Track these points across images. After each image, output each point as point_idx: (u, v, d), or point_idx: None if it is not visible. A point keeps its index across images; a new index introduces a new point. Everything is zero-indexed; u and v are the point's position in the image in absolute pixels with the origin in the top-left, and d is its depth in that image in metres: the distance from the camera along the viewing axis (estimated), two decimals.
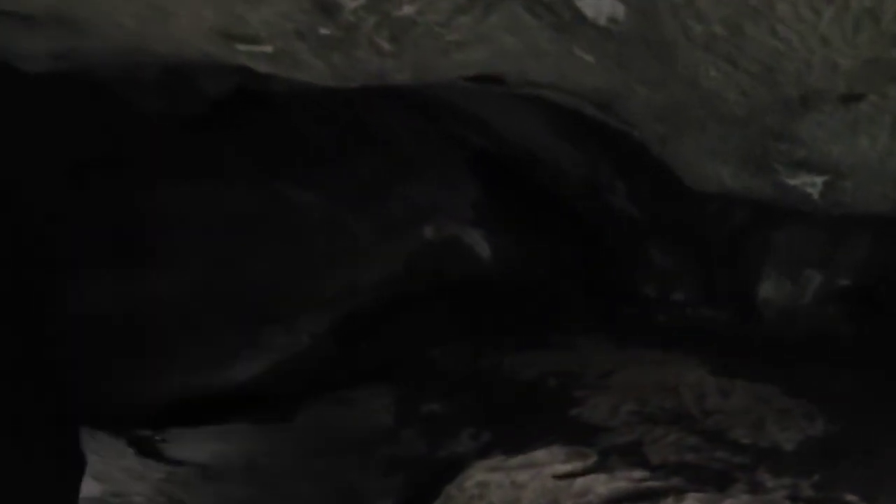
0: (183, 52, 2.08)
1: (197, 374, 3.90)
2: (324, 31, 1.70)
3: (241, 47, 1.83)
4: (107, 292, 3.71)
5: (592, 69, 1.93)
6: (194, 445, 2.68)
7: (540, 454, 2.20)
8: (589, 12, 1.65)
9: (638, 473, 2.05)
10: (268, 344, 4.12)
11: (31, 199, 3.42)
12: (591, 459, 2.16)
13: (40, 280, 3.59)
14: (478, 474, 2.19)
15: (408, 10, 1.64)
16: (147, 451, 2.63)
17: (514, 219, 4.20)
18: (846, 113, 1.66)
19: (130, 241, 3.83)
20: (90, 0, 1.82)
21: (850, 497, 1.88)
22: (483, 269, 4.31)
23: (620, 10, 1.64)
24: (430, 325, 4.05)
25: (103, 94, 2.85)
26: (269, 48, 1.82)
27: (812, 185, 2.20)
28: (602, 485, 2.00)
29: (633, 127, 2.34)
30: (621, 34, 1.70)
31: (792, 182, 2.21)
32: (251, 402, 3.91)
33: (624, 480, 2.01)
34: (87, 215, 3.54)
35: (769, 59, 1.60)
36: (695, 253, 3.33)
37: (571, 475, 2.09)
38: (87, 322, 3.60)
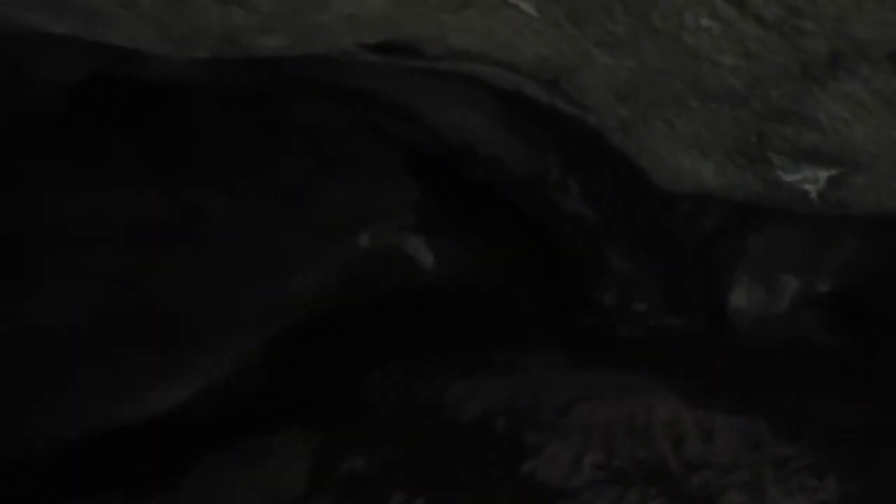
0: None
1: (107, 404, 3.20)
2: None
3: None
4: None
5: (535, 29, 1.32)
6: None
7: None
8: None
9: None
10: (187, 368, 3.44)
11: None
12: None
13: None
14: None
15: None
16: None
17: (458, 223, 3.60)
18: (892, 77, 1.09)
19: (6, 259, 3.10)
20: None
21: None
22: (425, 279, 3.71)
23: None
24: (365, 346, 3.42)
25: None
26: None
27: (813, 181, 1.64)
28: None
29: (588, 111, 1.74)
30: None
31: (789, 178, 1.64)
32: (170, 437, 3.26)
33: None
34: None
35: None
36: (660, 258, 2.78)
37: None
38: None
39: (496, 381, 2.68)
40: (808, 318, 2.84)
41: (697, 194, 1.92)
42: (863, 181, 1.56)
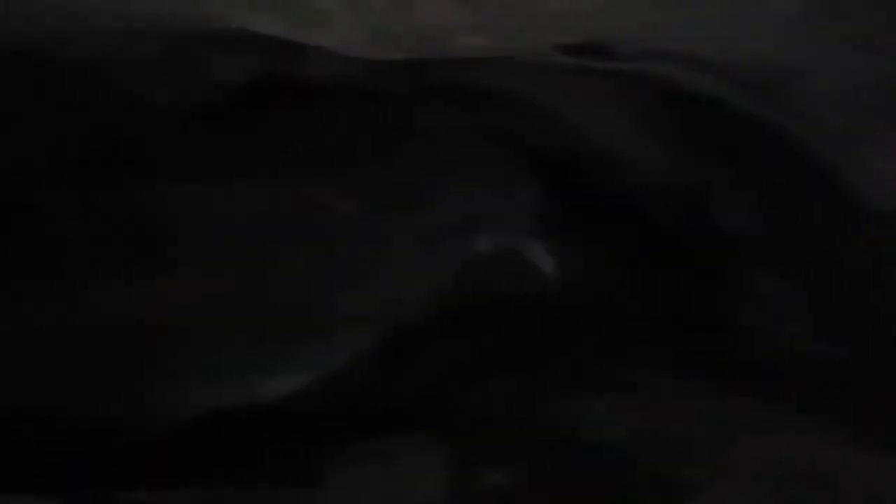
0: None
1: (224, 389, 3.31)
2: None
3: None
4: (122, 302, 3.17)
5: (770, 26, 1.15)
6: None
7: None
8: None
9: None
10: (301, 360, 3.50)
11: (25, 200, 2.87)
12: None
13: (46, 289, 3.07)
14: None
15: None
16: None
17: (584, 231, 3.43)
18: None
19: (145, 247, 3.26)
20: None
21: None
22: (546, 287, 3.58)
23: None
24: (482, 352, 3.34)
25: (89, 75, 2.18)
26: None
27: None
28: None
29: (797, 119, 1.55)
30: None
31: None
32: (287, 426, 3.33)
33: None
34: (90, 218, 2.97)
35: None
36: (827, 280, 2.49)
37: None
38: (101, 334, 3.09)
39: (634, 404, 2.50)
40: None
41: None
42: None
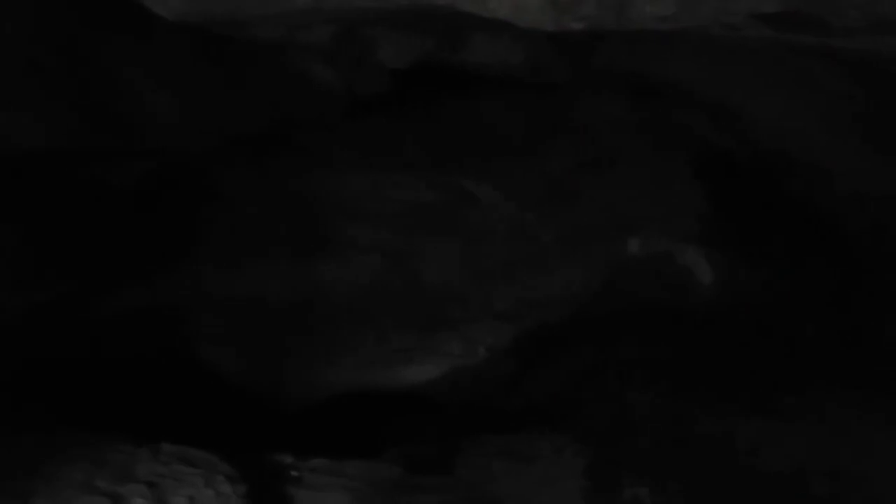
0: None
1: (367, 370, 3.45)
2: None
3: None
4: (279, 279, 3.40)
5: None
6: (324, 499, 2.10)
7: None
8: None
9: None
10: (441, 350, 3.55)
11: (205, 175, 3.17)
12: None
13: (220, 263, 3.38)
14: None
15: None
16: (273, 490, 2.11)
17: (750, 237, 3.15)
18: None
19: (305, 229, 3.47)
20: None
21: None
22: (702, 297, 3.32)
23: None
24: (626, 360, 3.18)
25: (265, 57, 2.39)
26: None
27: None
28: None
29: None
30: None
31: None
32: (420, 413, 3.40)
33: None
34: (259, 198, 3.22)
35: None
36: None
37: None
38: (256, 308, 3.33)
39: (801, 429, 2.25)
40: None
41: None
42: None
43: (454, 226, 3.63)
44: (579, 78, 2.79)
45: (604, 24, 1.29)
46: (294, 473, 2.26)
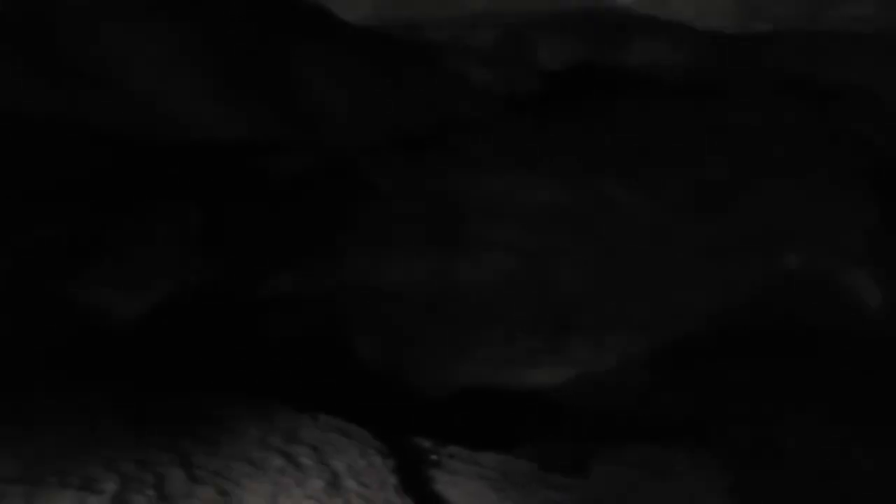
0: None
1: (495, 368, 3.53)
2: None
3: None
4: (417, 273, 3.55)
5: None
6: (462, 484, 2.20)
7: None
8: None
9: None
10: (569, 354, 3.54)
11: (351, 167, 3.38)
12: None
13: (369, 254, 3.59)
14: None
15: None
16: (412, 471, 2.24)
17: None
18: None
19: (446, 224, 3.59)
20: None
21: None
22: (867, 322, 3.06)
23: None
24: (775, 382, 3.00)
25: (429, 60, 2.53)
26: None
27: None
28: None
29: None
30: None
31: None
32: (545, 414, 3.42)
33: None
34: (405, 194, 3.39)
35: None
36: None
37: None
38: (394, 298, 3.49)
39: None
40: None
41: None
42: None
43: (592, 230, 3.59)
44: (742, 82, 2.67)
45: (794, 25, 1.25)
46: (433, 457, 2.38)
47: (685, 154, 3.33)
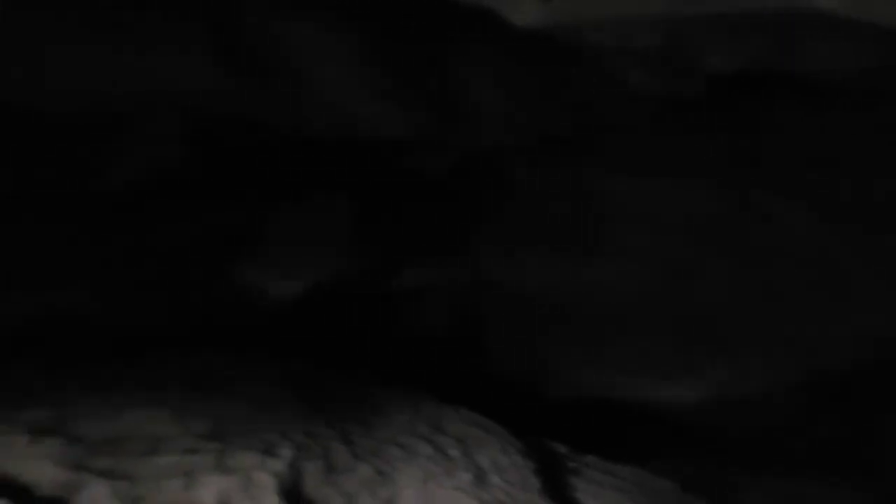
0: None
1: (623, 378, 3.44)
2: None
3: None
4: (550, 273, 3.53)
5: None
6: (602, 495, 2.15)
7: None
8: None
9: None
10: (705, 372, 3.38)
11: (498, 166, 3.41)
12: None
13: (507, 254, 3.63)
14: None
15: None
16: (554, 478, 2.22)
17: None
18: None
19: (583, 227, 3.54)
20: None
21: None
22: None
23: None
24: None
25: (587, 61, 2.50)
26: None
27: None
28: None
29: None
30: None
31: None
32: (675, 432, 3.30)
33: None
34: (547, 194, 3.38)
35: None
36: None
37: None
38: (526, 298, 3.50)
39: None
40: None
41: None
42: None
43: (743, 243, 3.40)
44: None
45: None
46: (571, 464, 2.37)
47: (857, 166, 3.07)
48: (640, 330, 3.47)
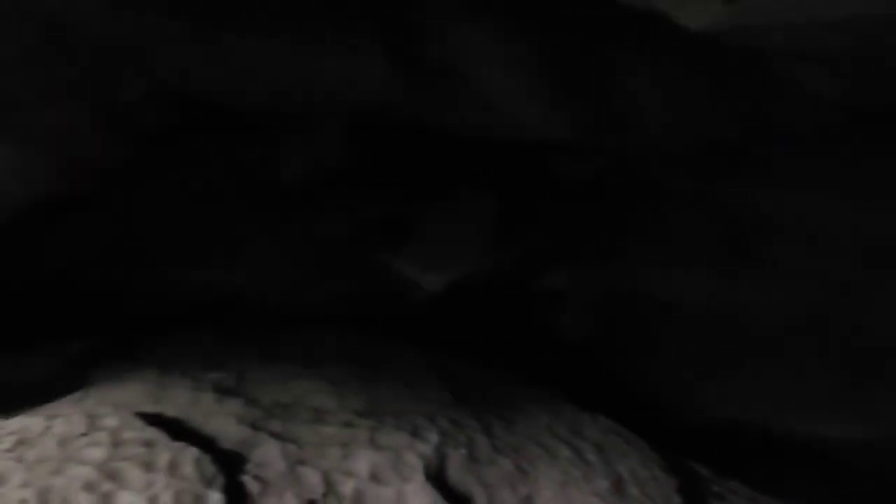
0: None
1: (772, 404, 3.22)
2: None
3: None
4: (698, 286, 3.38)
5: None
6: None
7: None
8: None
9: None
10: (873, 409, 3.08)
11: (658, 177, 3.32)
12: None
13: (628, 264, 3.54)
14: None
15: None
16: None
17: None
18: None
19: (742, 242, 3.35)
20: None
21: None
22: None
23: None
24: None
25: (761, 67, 2.35)
26: None
27: None
28: None
29: None
30: None
31: None
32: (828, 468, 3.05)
33: None
34: (700, 204, 3.23)
35: None
36: None
37: None
38: (672, 311, 3.38)
39: None
40: None
41: None
42: None
43: None
44: None
45: None
46: (716, 488, 2.27)
47: None
48: (801, 356, 3.24)
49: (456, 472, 1.89)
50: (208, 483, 1.71)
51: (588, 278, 3.58)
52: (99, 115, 2.60)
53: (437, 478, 1.86)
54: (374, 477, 1.83)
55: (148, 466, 1.71)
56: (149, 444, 1.80)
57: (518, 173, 3.57)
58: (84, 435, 1.83)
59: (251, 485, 1.74)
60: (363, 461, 1.86)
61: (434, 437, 1.94)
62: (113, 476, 1.68)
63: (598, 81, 2.45)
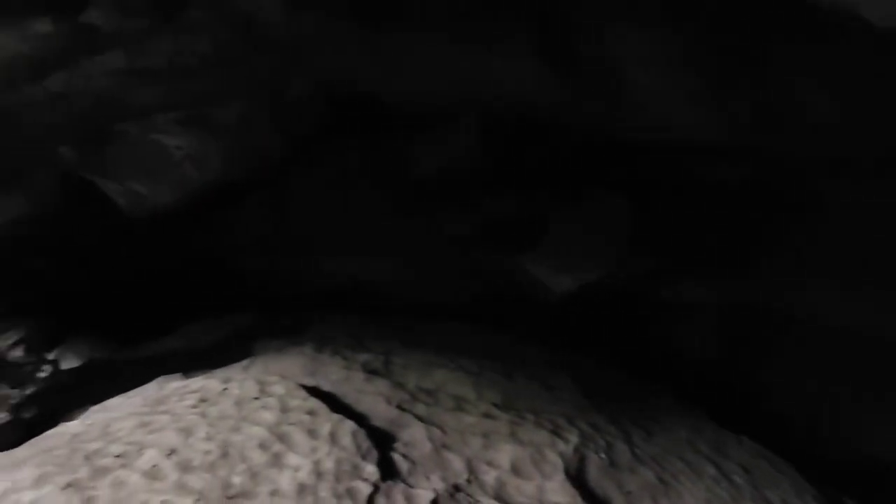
0: None
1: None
2: None
3: None
4: (859, 312, 3.10)
5: None
6: None
7: None
8: None
9: None
10: None
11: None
12: None
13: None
14: None
15: None
16: None
17: None
18: None
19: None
20: None
21: None
22: None
23: None
24: None
25: None
26: None
27: None
28: None
29: None
30: None
31: None
32: None
33: None
34: (859, 216, 2.96)
35: None
36: None
37: None
38: (806, 330, 3.14)
39: None
40: None
41: None
42: None
43: None
44: None
45: None
46: None
47: None
48: None
49: (596, 475, 1.89)
50: (364, 456, 1.83)
51: (723, 290, 3.40)
52: (272, 110, 2.84)
53: (576, 478, 1.87)
54: (516, 470, 1.87)
55: (312, 434, 1.87)
56: (312, 413, 1.96)
57: (654, 177, 3.46)
58: (256, 399, 2.03)
59: (401, 463, 1.84)
60: (504, 453, 1.91)
61: (574, 438, 1.94)
62: (282, 438, 1.85)
63: (757, 81, 2.32)
